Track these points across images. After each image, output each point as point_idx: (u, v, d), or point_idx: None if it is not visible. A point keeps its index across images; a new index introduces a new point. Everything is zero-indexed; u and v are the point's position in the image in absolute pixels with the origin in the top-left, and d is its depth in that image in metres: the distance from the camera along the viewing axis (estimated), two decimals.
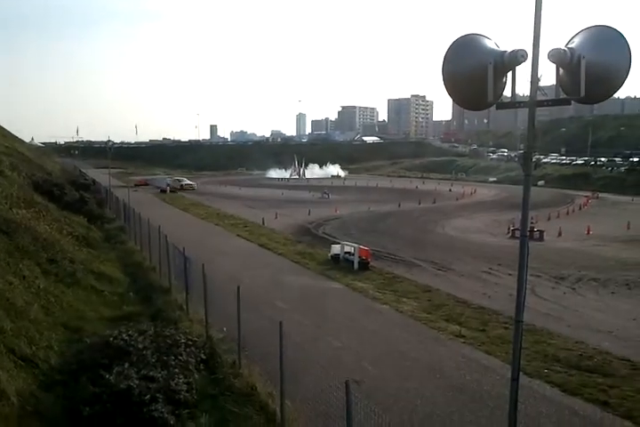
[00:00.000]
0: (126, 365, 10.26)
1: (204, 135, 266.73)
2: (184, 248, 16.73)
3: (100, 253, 23.67)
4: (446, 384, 11.94)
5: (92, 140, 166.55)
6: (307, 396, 9.48)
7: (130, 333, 11.86)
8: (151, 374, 10.07)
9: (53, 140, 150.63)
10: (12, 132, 63.33)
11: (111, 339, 11.53)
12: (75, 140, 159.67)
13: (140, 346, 11.21)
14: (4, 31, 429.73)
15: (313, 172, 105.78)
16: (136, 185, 69.78)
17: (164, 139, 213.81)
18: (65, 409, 9.53)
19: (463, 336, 14.99)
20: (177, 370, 10.61)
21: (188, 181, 74.76)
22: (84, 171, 71.97)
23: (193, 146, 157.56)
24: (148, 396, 9.25)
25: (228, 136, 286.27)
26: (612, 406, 10.78)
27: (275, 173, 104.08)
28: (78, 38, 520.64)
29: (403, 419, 10.21)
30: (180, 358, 11.24)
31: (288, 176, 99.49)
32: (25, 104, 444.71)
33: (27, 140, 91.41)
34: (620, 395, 11.21)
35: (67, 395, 9.97)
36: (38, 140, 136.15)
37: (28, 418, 8.81)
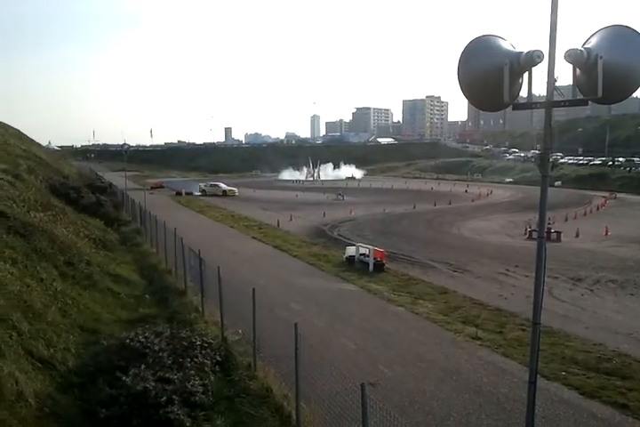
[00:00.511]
0: (142, 367, 10.33)
1: (219, 138, 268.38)
2: (199, 250, 16.79)
3: (116, 255, 23.83)
4: (463, 387, 11.87)
5: (108, 143, 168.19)
6: (322, 398, 9.45)
7: (146, 335, 11.94)
8: (167, 375, 10.13)
9: (70, 144, 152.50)
10: (29, 136, 64.08)
11: (127, 341, 11.62)
12: (91, 143, 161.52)
13: (157, 348, 11.28)
14: (17, 34, 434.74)
15: (327, 173, 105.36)
16: (152, 188, 70.14)
17: (179, 142, 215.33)
18: (82, 411, 9.60)
19: (480, 338, 14.88)
20: (193, 372, 10.66)
21: (226, 186, 67.69)
22: (100, 174, 72.42)
23: (208, 148, 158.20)
24: (164, 398, 9.30)
25: (242, 138, 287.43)
26: (630, 408, 10.65)
27: (288, 175, 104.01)
28: (95, 42, 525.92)
29: (418, 421, 10.17)
30: (196, 359, 11.30)
31: (303, 178, 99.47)
32: (42, 108, 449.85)
33: (43, 143, 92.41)
34: (639, 398, 11.07)
35: (84, 397, 10.04)
36: (55, 144, 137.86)
37: (45, 420, 8.87)
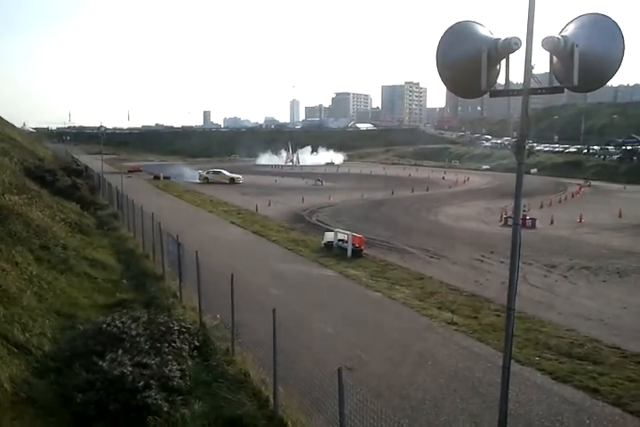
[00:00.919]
0: (120, 352, 10.28)
1: (197, 121, 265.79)
2: (177, 235, 16.71)
3: (92, 239, 23.59)
4: (438, 371, 12.03)
5: (85, 125, 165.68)
6: (300, 382, 9.54)
7: (123, 320, 11.88)
8: (145, 360, 10.10)
9: (45, 126, 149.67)
10: (3, 117, 62.85)
11: (104, 326, 11.55)
12: (67, 125, 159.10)
13: (134, 333, 11.24)
14: None
15: (305, 158, 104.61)
16: (129, 171, 69.36)
17: (156, 125, 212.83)
18: (58, 396, 9.55)
19: (455, 324, 15.08)
20: (170, 357, 10.65)
21: (230, 173, 63.15)
22: (76, 157, 71.42)
23: (186, 132, 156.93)
24: (141, 383, 9.27)
25: (221, 123, 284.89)
26: (601, 393, 10.88)
27: (265, 160, 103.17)
28: (69, 22, 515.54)
29: (394, 405, 10.29)
30: (174, 344, 11.28)
31: (282, 163, 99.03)
32: (16, 89, 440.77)
33: (18, 125, 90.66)
34: (609, 382, 11.33)
35: (60, 382, 9.98)
36: (30, 126, 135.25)
37: (21, 405, 8.84)
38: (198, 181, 62.09)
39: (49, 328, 12.20)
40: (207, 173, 63.74)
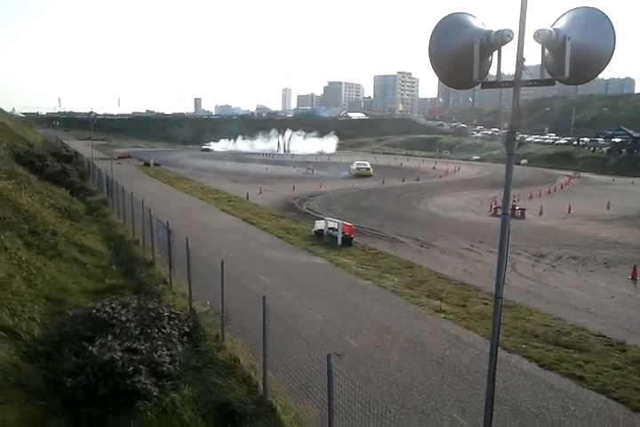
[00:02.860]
0: (109, 337, 10.29)
1: (189, 109, 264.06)
2: (168, 222, 16.68)
3: (82, 225, 23.51)
4: (426, 358, 12.15)
5: (75, 111, 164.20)
6: (289, 368, 9.58)
7: (113, 305, 11.87)
8: (134, 346, 10.12)
9: (35, 111, 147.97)
10: None
11: (94, 311, 11.54)
12: (56, 111, 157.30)
13: (124, 318, 11.25)
14: None
15: (292, 145, 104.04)
16: (120, 157, 68.92)
17: (147, 111, 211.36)
18: (48, 380, 9.57)
19: (444, 311, 15.19)
20: (160, 342, 10.67)
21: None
22: (65, 142, 70.84)
23: (177, 119, 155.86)
24: (131, 368, 9.30)
25: (212, 110, 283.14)
26: (587, 380, 11.05)
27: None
28: (59, 5, 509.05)
29: (383, 391, 10.41)
30: (164, 330, 11.30)
31: (272, 151, 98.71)
32: (5, 74, 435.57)
33: (7, 110, 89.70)
34: (594, 370, 11.49)
35: (50, 366, 10.00)
36: (19, 111, 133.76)
37: (10, 389, 8.83)
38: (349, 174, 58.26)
39: (38, 313, 12.16)
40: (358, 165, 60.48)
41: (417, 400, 10.19)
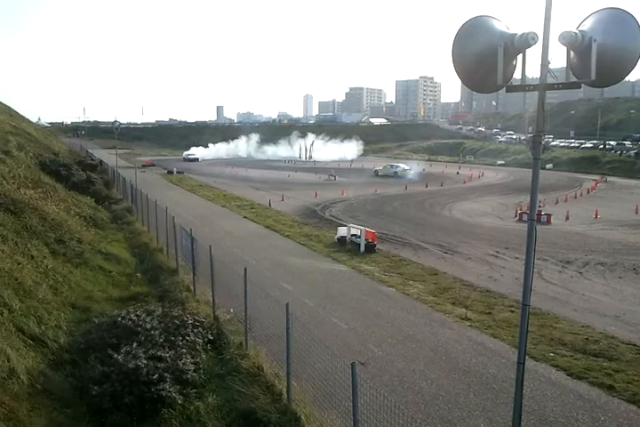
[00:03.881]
0: (134, 345, 10.38)
1: (211, 116, 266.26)
2: (191, 229, 16.77)
3: (107, 233, 23.77)
4: (452, 367, 12.00)
5: (99, 120, 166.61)
6: (313, 377, 9.55)
7: (138, 313, 11.98)
8: (159, 353, 10.19)
9: (60, 121, 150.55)
10: (19, 112, 63.34)
11: (119, 319, 11.65)
12: (81, 120, 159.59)
13: (148, 326, 11.33)
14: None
15: (313, 148, 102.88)
16: (144, 166, 69.64)
17: (170, 119, 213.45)
18: (74, 388, 9.66)
19: (469, 319, 15.02)
20: (184, 350, 10.73)
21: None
22: (90, 151, 71.77)
23: (199, 127, 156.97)
24: (155, 375, 9.36)
25: (234, 117, 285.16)
26: (617, 390, 10.81)
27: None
28: (84, 17, 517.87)
29: (408, 400, 10.29)
30: (188, 338, 11.36)
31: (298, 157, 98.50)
32: (32, 84, 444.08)
33: (33, 120, 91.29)
34: (625, 379, 11.24)
35: (76, 374, 10.10)
36: (45, 120, 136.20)
37: (37, 396, 8.93)
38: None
39: (64, 321, 12.32)
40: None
41: (443, 410, 10.06)
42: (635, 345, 13.16)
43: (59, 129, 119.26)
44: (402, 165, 66.55)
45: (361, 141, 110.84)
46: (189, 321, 12.09)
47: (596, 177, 61.20)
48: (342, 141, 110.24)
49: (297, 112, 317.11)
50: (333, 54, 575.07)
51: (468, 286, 18.45)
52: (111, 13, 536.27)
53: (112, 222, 27.35)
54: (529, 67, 5.72)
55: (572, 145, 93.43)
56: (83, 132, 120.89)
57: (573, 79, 5.67)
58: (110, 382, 9.21)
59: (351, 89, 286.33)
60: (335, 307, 16.11)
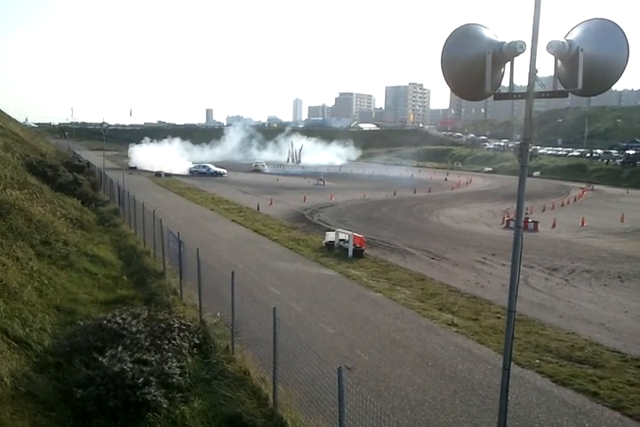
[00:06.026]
0: (120, 348, 10.30)
1: (200, 119, 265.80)
2: (179, 233, 16.70)
3: (93, 235, 23.59)
4: (438, 373, 12.02)
5: (87, 121, 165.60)
6: (299, 381, 9.51)
7: (123, 316, 11.89)
8: (144, 357, 10.11)
9: (47, 121, 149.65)
10: (6, 112, 62.84)
11: (105, 322, 11.55)
12: (69, 121, 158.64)
13: (134, 329, 11.25)
14: None
15: (302, 152, 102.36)
16: (131, 168, 69.26)
17: (159, 122, 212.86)
18: (58, 391, 9.56)
19: (456, 325, 15.06)
20: (170, 354, 10.66)
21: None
22: (78, 152, 71.25)
23: (188, 129, 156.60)
24: (141, 379, 9.28)
25: (224, 121, 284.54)
26: (601, 396, 10.88)
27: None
28: (72, 18, 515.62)
29: (394, 406, 10.29)
30: (174, 342, 11.30)
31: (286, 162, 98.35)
32: (20, 84, 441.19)
33: (21, 120, 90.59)
34: (609, 386, 11.32)
35: (60, 377, 10.01)
36: (32, 121, 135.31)
37: (21, 399, 8.83)
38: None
39: (49, 323, 12.20)
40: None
41: (429, 416, 10.07)
42: (619, 352, 13.26)
43: (46, 130, 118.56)
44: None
45: (348, 148, 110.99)
46: (176, 325, 12.01)
47: (583, 185, 61.73)
48: (331, 148, 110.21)
49: (286, 116, 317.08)
50: (324, 59, 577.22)
51: (455, 292, 18.51)
52: (101, 15, 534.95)
53: (98, 224, 27.16)
54: (517, 75, 5.76)
55: (560, 153, 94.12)
56: (70, 134, 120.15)
57: (561, 88, 5.74)
58: (95, 385, 9.13)
59: (341, 94, 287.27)
60: (322, 312, 16.09)
